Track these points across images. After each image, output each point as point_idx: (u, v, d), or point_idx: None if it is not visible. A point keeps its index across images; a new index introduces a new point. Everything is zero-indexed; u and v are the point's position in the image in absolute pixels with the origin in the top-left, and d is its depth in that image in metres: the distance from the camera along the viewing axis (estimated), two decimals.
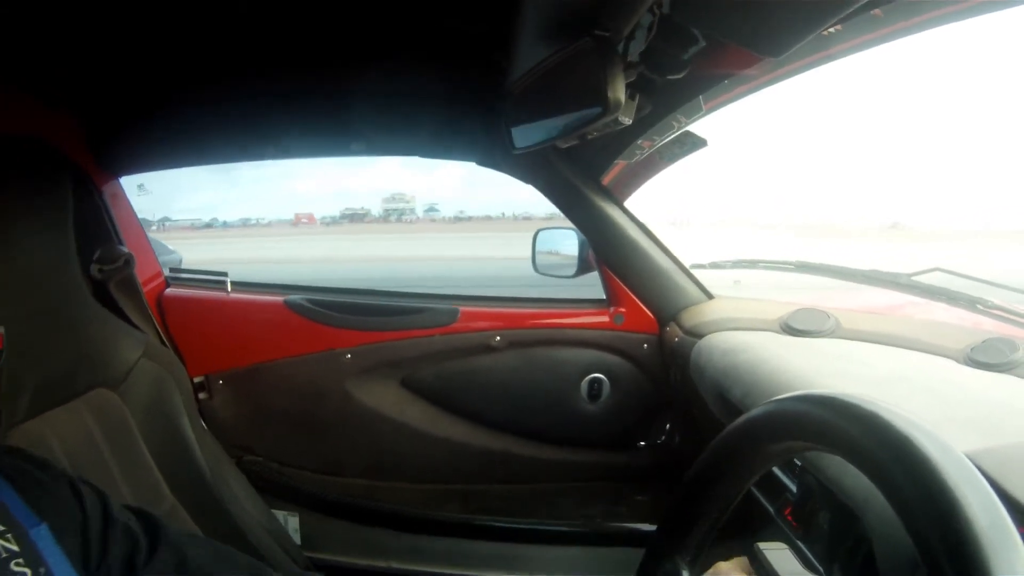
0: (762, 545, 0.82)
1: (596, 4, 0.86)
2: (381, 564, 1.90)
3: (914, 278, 1.48)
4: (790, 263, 1.78)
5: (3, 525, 0.69)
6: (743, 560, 0.80)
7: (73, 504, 0.76)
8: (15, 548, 0.68)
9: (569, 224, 1.91)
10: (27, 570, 0.68)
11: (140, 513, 0.84)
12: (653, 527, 0.83)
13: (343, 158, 2.09)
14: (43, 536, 0.70)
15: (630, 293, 1.89)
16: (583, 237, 1.90)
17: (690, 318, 1.79)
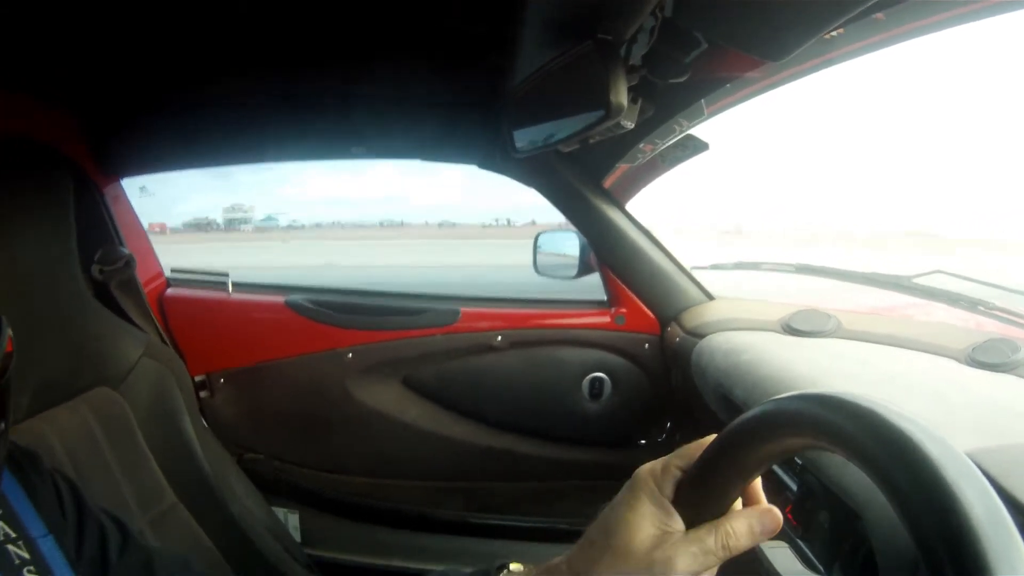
0: (762, 543, 0.82)
1: (598, 7, 0.86)
2: (382, 562, 1.90)
3: (915, 280, 1.49)
4: (791, 265, 1.78)
5: (14, 532, 0.70)
6: None
7: (56, 503, 0.77)
8: (26, 555, 0.69)
9: (559, 227, 1.92)
10: None
11: (110, 515, 0.84)
12: None
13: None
14: (50, 546, 0.71)
15: (631, 294, 1.89)
16: (584, 239, 1.90)
17: (691, 319, 1.80)
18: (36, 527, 0.72)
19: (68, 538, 0.75)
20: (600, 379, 1.96)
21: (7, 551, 0.68)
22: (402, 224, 11.39)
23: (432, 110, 1.69)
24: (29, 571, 0.68)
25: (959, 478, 0.42)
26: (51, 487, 0.77)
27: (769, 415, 0.56)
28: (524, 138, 1.24)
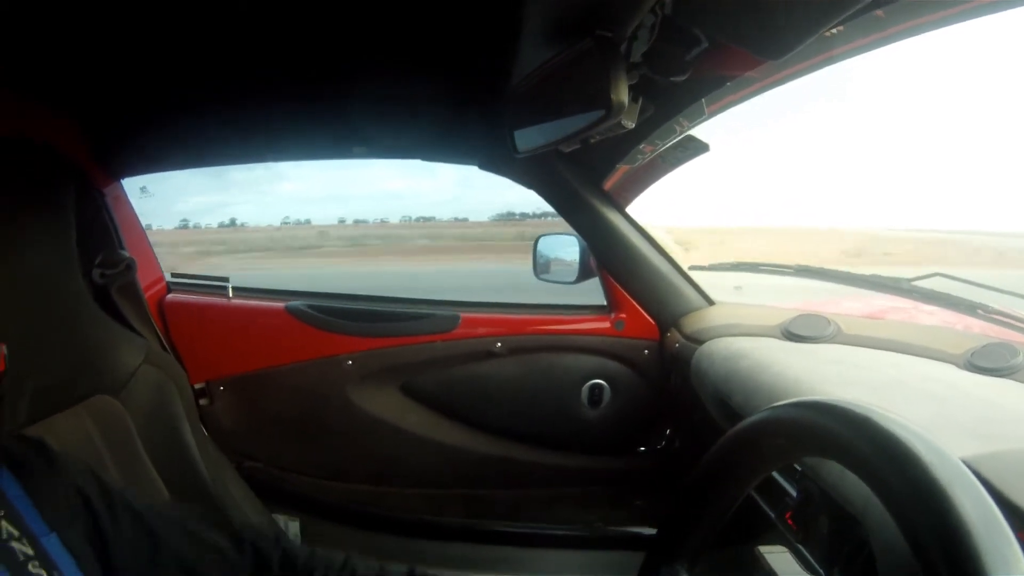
0: (763, 549, 0.82)
1: (598, 5, 0.86)
2: None
3: (914, 283, 1.48)
4: (790, 267, 1.78)
5: (17, 530, 0.70)
6: None
7: (73, 498, 0.77)
8: (30, 552, 0.70)
9: (568, 230, 1.91)
10: (43, 572, 0.69)
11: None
12: (653, 531, 0.83)
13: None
14: (53, 544, 0.72)
15: (631, 299, 1.89)
16: (584, 243, 1.90)
17: (691, 324, 1.79)
18: (38, 526, 0.72)
19: (81, 535, 0.75)
20: (600, 386, 1.96)
21: (11, 548, 0.69)
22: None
23: (433, 110, 1.68)
24: (34, 566, 0.69)
25: (951, 480, 0.42)
26: (61, 485, 0.77)
27: (765, 424, 0.56)
28: (525, 137, 1.24)
